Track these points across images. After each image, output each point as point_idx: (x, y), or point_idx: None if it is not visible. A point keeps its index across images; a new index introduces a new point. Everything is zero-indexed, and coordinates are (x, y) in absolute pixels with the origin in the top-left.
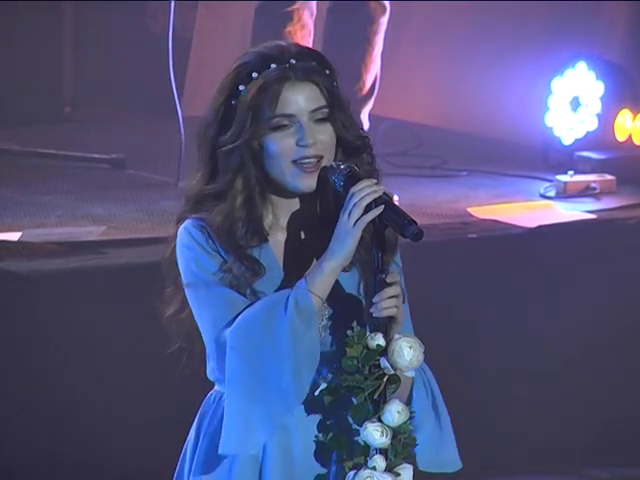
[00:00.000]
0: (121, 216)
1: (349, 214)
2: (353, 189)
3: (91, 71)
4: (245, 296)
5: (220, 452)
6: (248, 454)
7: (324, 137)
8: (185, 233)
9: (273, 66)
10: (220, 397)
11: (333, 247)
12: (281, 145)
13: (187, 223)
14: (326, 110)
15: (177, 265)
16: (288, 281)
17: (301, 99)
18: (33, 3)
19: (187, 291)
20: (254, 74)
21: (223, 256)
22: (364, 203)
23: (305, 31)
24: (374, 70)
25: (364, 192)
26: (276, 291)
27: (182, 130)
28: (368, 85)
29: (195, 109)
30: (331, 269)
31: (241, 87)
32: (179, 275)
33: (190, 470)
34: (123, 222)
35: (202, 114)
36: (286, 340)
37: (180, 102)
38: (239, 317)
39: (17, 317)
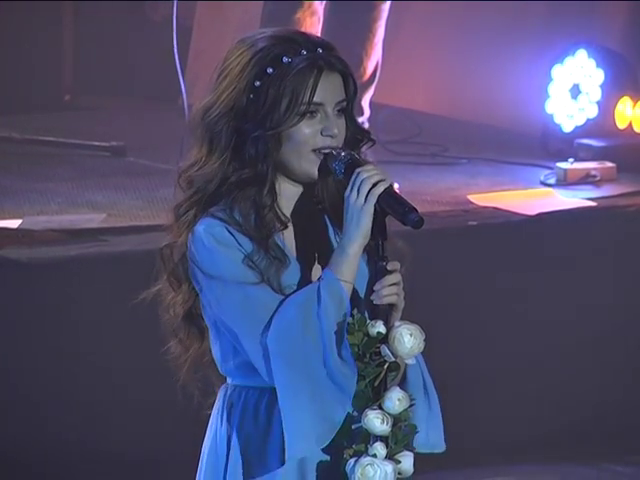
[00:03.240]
0: (121, 204)
1: (358, 190)
2: (359, 169)
3: (91, 58)
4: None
5: (288, 457)
6: (315, 452)
7: (342, 129)
8: (207, 235)
9: (304, 52)
10: (246, 392)
11: (350, 230)
12: (307, 133)
13: (206, 224)
14: (344, 103)
15: (186, 261)
16: (305, 270)
17: (330, 89)
18: None
19: (217, 294)
20: (285, 58)
21: (246, 251)
22: (373, 180)
23: (314, 18)
24: (375, 57)
25: (372, 171)
26: (298, 282)
27: (186, 116)
28: (369, 72)
29: (195, 97)
30: (354, 252)
31: (269, 70)
32: (186, 270)
33: (226, 468)
34: (123, 210)
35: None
36: (327, 334)
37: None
38: (274, 320)
39: (17, 305)
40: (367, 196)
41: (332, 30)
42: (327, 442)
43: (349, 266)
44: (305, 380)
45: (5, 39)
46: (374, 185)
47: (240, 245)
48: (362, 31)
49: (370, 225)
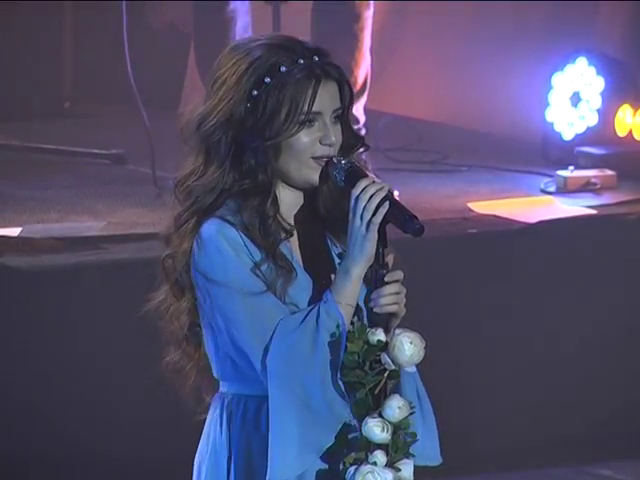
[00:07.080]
0: (121, 211)
1: (360, 218)
2: (355, 191)
3: (91, 66)
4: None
5: (268, 479)
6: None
7: (339, 136)
8: (220, 237)
9: (301, 61)
10: (245, 401)
11: (354, 253)
12: (306, 141)
13: (217, 225)
14: (340, 111)
15: (189, 268)
16: (310, 280)
17: (327, 98)
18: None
19: (222, 302)
20: (282, 68)
21: (255, 259)
22: (373, 205)
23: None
24: (365, 65)
25: (369, 193)
26: (305, 292)
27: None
28: (360, 81)
29: (194, 104)
30: (357, 275)
31: (267, 79)
32: (190, 278)
33: (228, 478)
34: (123, 217)
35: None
36: (324, 359)
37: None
38: (274, 340)
39: (17, 312)
40: (368, 225)
41: (319, 42)
42: (307, 467)
43: (352, 288)
44: (299, 404)
45: (5, 46)
46: (374, 213)
47: (250, 252)
48: (350, 42)
49: (374, 250)
